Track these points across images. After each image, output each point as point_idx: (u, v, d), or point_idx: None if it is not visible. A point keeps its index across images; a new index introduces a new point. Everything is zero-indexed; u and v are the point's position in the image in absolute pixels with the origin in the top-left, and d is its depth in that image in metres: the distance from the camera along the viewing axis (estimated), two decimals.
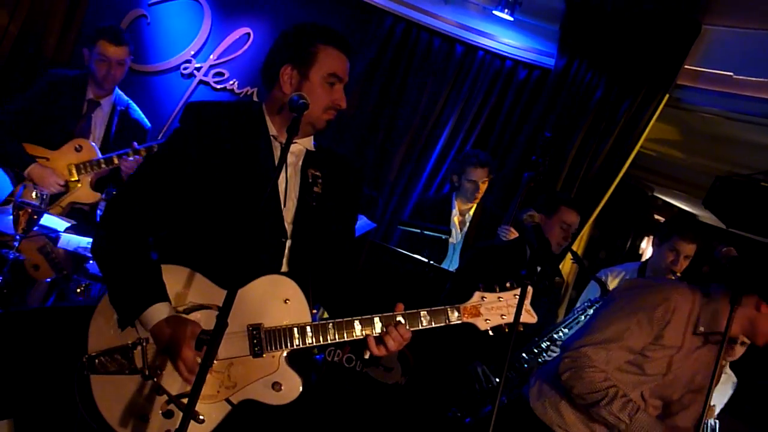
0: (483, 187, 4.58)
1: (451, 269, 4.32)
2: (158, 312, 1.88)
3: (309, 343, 1.95)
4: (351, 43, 2.18)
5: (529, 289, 2.22)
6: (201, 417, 1.89)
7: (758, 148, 5.42)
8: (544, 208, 3.90)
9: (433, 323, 2.05)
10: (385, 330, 1.99)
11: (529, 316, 2.18)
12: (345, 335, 1.98)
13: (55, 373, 2.69)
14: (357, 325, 1.99)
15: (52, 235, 3.27)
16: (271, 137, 2.12)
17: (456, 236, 4.63)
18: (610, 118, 4.89)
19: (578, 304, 4.17)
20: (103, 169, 3.62)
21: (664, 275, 3.79)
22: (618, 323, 2.54)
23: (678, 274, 3.82)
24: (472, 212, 4.65)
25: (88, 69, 3.71)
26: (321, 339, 1.96)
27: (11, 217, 2.78)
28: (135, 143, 3.64)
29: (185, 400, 1.78)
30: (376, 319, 1.99)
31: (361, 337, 1.99)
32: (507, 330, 2.13)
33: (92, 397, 1.95)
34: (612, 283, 4.26)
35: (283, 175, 2.09)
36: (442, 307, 2.08)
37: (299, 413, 1.97)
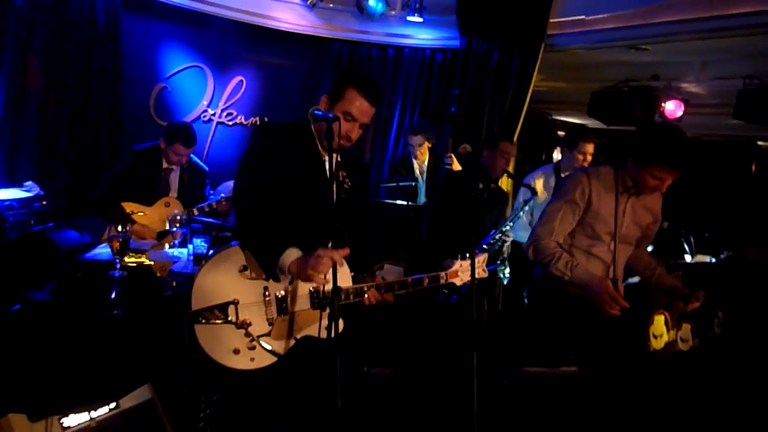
0: (423, 149, 4.95)
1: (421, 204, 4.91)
2: (289, 255, 2.13)
3: (351, 299, 2.27)
4: (379, 94, 2.33)
5: (484, 255, 2.54)
6: (273, 350, 2.19)
7: (614, 65, 5.90)
8: (488, 145, 4.17)
9: (431, 285, 2.41)
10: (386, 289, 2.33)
11: (482, 273, 2.52)
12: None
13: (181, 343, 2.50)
14: (375, 286, 2.30)
15: (143, 248, 3.49)
16: (320, 151, 2.35)
17: (420, 181, 5.09)
18: (507, 72, 5.31)
19: (515, 204, 4.53)
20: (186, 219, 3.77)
21: None
22: (555, 208, 2.77)
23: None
24: (426, 162, 5.08)
25: (164, 153, 4.15)
26: (359, 298, 2.28)
27: (109, 249, 3.00)
28: (223, 197, 3.92)
29: (263, 339, 2.18)
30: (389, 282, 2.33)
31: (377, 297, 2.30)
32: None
33: (197, 340, 2.16)
34: (537, 183, 4.54)
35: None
36: (437, 273, 2.43)
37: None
